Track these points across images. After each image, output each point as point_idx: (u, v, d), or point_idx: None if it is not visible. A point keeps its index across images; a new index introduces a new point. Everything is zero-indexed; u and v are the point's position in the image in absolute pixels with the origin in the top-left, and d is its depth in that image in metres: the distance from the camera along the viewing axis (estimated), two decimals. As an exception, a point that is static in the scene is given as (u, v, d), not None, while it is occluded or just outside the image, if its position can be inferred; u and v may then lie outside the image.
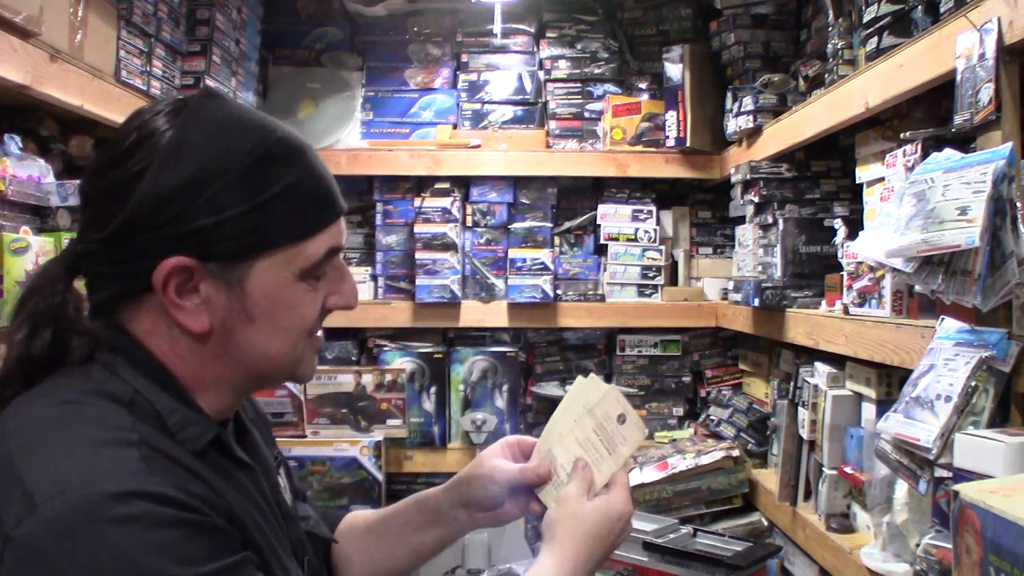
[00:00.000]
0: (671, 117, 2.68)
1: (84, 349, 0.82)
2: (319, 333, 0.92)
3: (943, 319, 1.33)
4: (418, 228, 2.71)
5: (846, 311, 1.73)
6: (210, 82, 2.09)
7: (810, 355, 1.97)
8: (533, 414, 2.83)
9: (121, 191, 0.80)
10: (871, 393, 1.69)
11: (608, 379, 2.84)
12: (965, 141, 1.34)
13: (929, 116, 1.56)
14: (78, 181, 1.57)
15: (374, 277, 2.80)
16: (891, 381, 1.65)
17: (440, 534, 1.15)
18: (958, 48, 1.29)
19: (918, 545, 1.28)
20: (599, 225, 2.82)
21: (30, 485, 0.69)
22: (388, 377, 2.66)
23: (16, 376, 0.81)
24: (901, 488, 1.41)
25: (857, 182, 1.80)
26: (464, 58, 2.89)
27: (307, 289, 0.87)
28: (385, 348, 2.77)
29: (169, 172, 0.79)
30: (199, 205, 0.79)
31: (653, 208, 2.82)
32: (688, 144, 2.65)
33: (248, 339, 0.85)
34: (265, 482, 0.93)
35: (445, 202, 2.73)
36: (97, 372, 0.81)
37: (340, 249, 0.90)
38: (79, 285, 0.86)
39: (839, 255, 1.85)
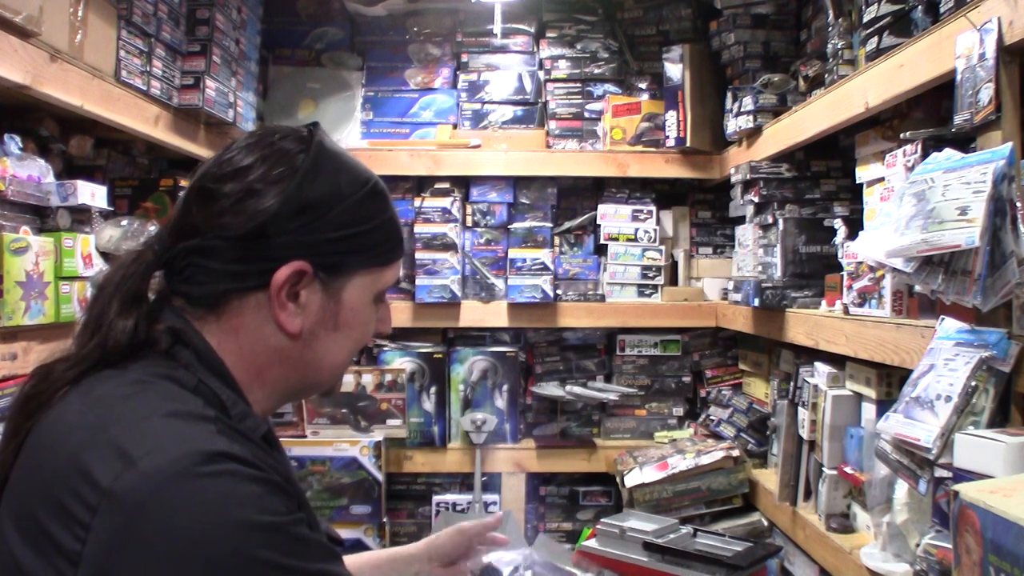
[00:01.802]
0: (671, 117, 2.69)
1: (167, 340, 0.87)
2: None
3: (943, 319, 1.33)
4: (418, 228, 2.71)
5: (846, 311, 1.73)
6: (210, 82, 2.09)
7: (810, 355, 1.97)
8: (533, 414, 2.83)
9: (260, 194, 0.88)
10: (871, 393, 1.69)
11: (608, 379, 2.85)
12: (965, 141, 1.34)
13: (929, 116, 1.56)
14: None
15: (374, 277, 2.80)
16: (891, 381, 1.65)
17: None
18: (958, 48, 1.29)
19: (918, 545, 1.28)
20: (599, 225, 2.82)
21: (126, 445, 0.74)
22: (388, 377, 2.66)
23: (96, 357, 0.86)
24: (901, 488, 1.41)
25: (857, 182, 1.80)
26: (464, 58, 2.89)
27: (374, 311, 0.99)
28: (385, 348, 2.77)
29: (309, 187, 0.90)
30: (328, 220, 0.91)
31: (653, 208, 2.82)
32: (688, 144, 2.65)
33: (325, 346, 0.94)
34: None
35: (445, 202, 2.73)
36: (163, 360, 0.86)
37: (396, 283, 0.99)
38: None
39: (839, 255, 1.85)
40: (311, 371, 0.95)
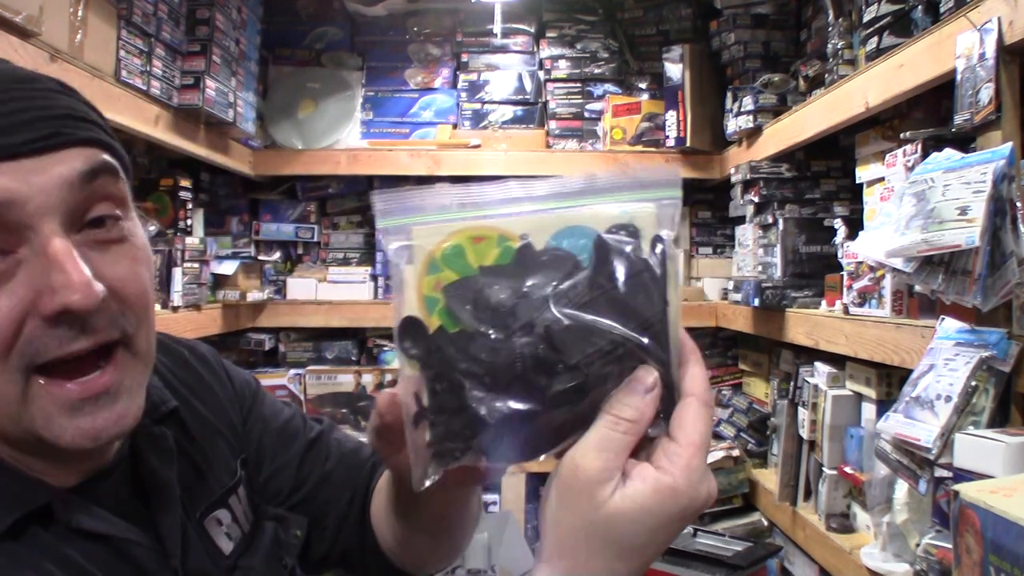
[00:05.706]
0: (671, 117, 2.68)
1: None
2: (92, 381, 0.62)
3: (943, 319, 1.33)
4: (418, 228, 2.71)
5: (846, 311, 1.73)
6: (210, 82, 2.09)
7: (810, 355, 1.97)
8: (533, 414, 2.83)
9: None
10: (871, 393, 1.69)
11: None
12: (965, 141, 1.34)
13: (929, 116, 1.56)
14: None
15: (374, 277, 2.80)
16: (891, 381, 1.65)
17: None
18: (958, 48, 1.29)
19: (918, 545, 1.28)
20: (599, 225, 2.81)
21: None
22: (388, 377, 2.66)
23: None
24: (901, 488, 1.41)
25: (857, 182, 1.80)
26: (464, 58, 2.89)
27: None
28: (385, 348, 2.77)
29: None
30: None
31: (653, 208, 2.81)
32: (688, 144, 2.65)
33: None
34: (151, 552, 0.69)
35: (445, 202, 2.73)
36: None
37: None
38: None
39: (839, 255, 1.85)
40: None
